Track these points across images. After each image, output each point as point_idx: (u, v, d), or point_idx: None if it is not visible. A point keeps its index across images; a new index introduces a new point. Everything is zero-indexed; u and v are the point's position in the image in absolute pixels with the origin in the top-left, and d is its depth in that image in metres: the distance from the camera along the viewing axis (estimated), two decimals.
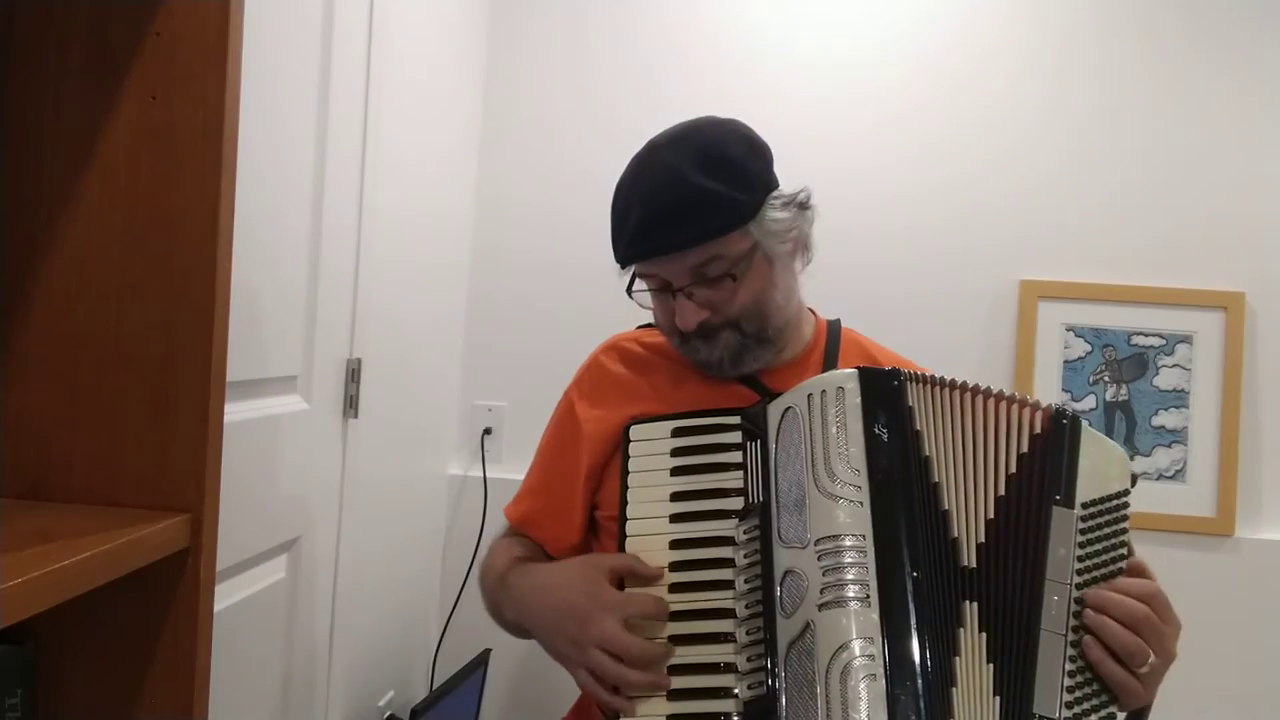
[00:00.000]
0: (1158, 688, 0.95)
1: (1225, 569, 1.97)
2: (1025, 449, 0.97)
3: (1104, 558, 0.95)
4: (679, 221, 1.09)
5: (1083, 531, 0.95)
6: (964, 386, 1.00)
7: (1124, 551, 0.96)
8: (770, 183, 1.14)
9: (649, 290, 1.18)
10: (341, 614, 1.59)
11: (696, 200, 1.09)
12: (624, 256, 1.15)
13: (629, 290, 1.20)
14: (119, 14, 0.79)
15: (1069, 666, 0.91)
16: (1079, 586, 0.93)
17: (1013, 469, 0.97)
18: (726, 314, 1.13)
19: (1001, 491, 0.96)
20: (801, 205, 1.16)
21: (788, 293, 1.19)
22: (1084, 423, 0.99)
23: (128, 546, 0.71)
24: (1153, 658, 0.91)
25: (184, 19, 0.79)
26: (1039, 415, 0.99)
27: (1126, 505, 0.97)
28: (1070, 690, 0.90)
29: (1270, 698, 1.95)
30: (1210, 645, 1.96)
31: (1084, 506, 0.96)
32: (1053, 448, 0.97)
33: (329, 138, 1.41)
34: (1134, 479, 0.99)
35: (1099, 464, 0.98)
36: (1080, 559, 0.94)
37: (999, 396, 0.99)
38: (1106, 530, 0.96)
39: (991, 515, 0.95)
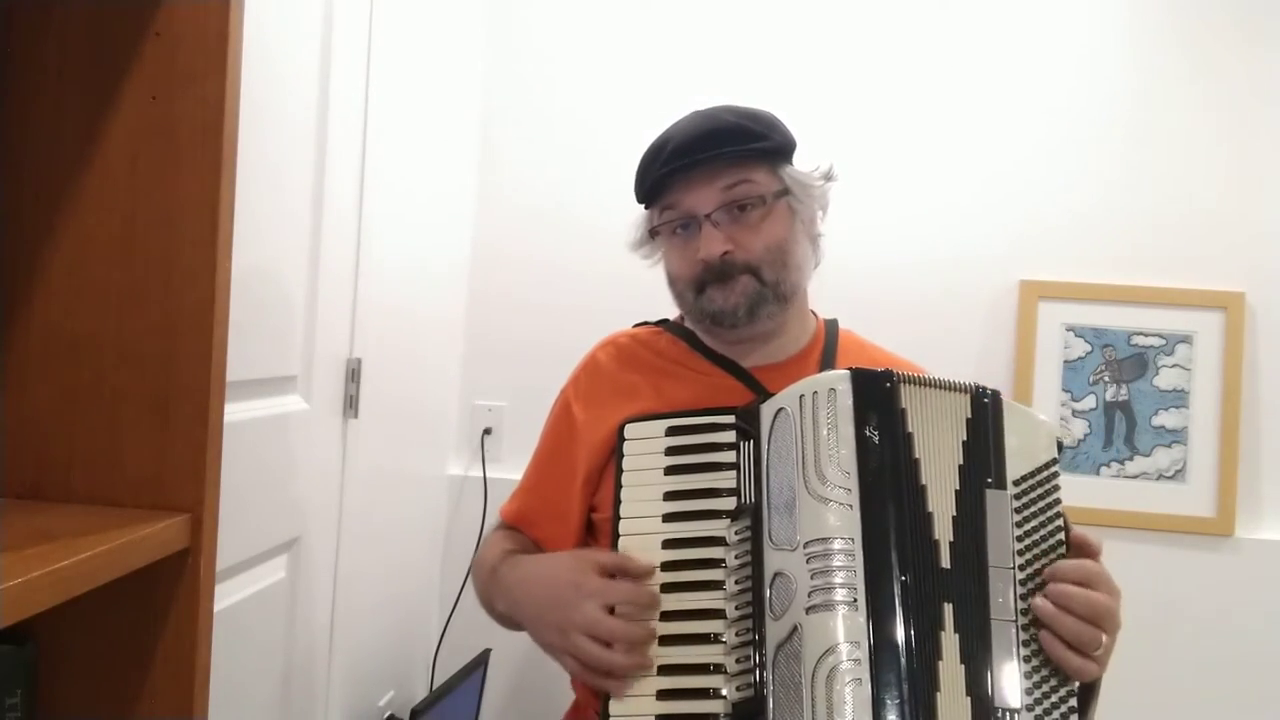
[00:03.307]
0: (1110, 657, 0.95)
1: (1225, 569, 1.97)
2: (965, 436, 0.97)
3: (1042, 533, 0.95)
4: (716, 140, 1.15)
5: (1018, 510, 0.95)
6: (932, 382, 0.99)
7: (1060, 523, 0.96)
8: (794, 147, 1.21)
9: (668, 235, 1.20)
10: (341, 614, 1.59)
11: (733, 126, 1.16)
12: (656, 178, 1.17)
13: (652, 231, 1.22)
14: (119, 14, 0.79)
15: (1024, 652, 0.91)
16: (1023, 568, 0.93)
17: (961, 460, 0.97)
18: (749, 251, 1.15)
19: (958, 485, 0.96)
20: (826, 175, 1.21)
21: (804, 261, 1.21)
22: (1004, 398, 0.99)
23: (128, 546, 0.71)
24: (1105, 638, 0.92)
25: (184, 19, 0.79)
26: (966, 399, 0.99)
27: (1056, 475, 0.97)
28: (1028, 675, 0.90)
29: (1271, 698, 1.95)
30: (1210, 645, 1.96)
31: (1015, 484, 0.96)
32: (980, 430, 0.97)
33: (329, 137, 1.41)
34: (1061, 446, 0.99)
35: (1025, 439, 0.97)
36: (1019, 539, 0.94)
37: (945, 385, 0.99)
38: (1041, 504, 0.96)
39: (955, 512, 0.95)
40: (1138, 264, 2.02)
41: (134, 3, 0.79)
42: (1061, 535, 0.95)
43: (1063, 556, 0.95)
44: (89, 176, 0.80)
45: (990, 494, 0.95)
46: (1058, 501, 0.96)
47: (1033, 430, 0.99)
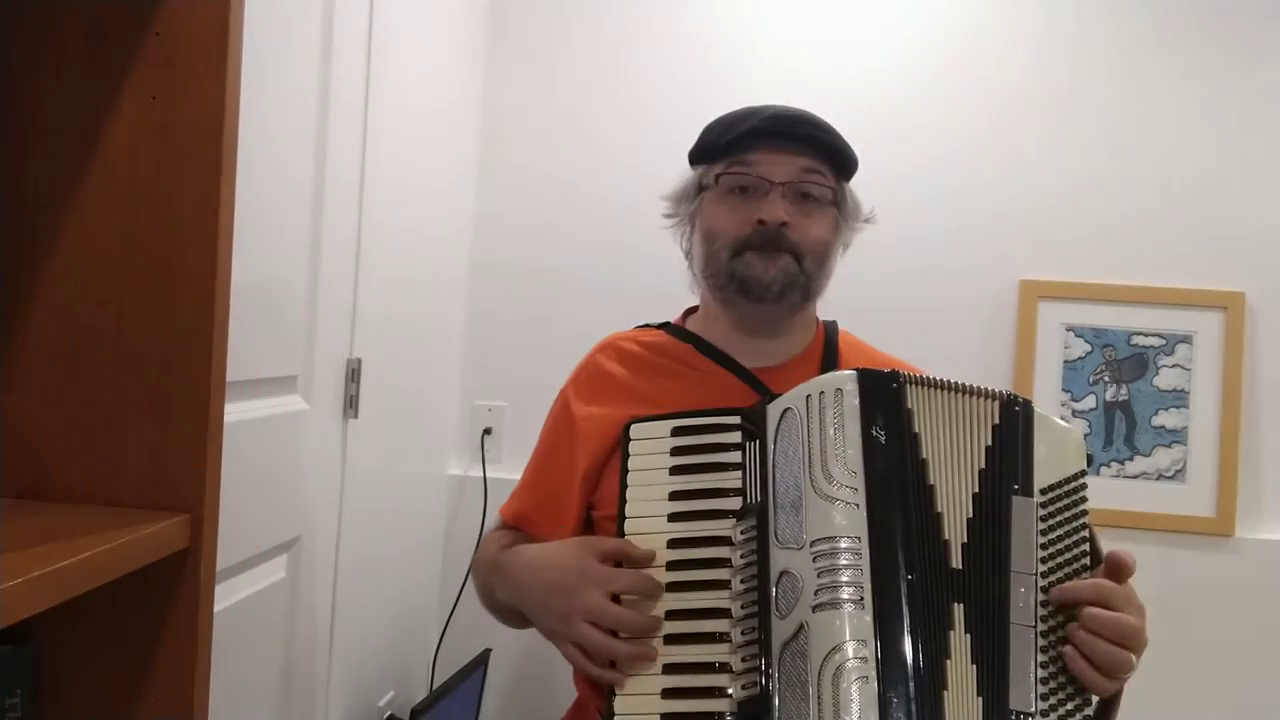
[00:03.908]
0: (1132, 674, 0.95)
1: (1225, 569, 1.97)
2: (990, 442, 0.98)
3: (1066, 542, 0.95)
4: (813, 124, 1.20)
5: (1043, 519, 0.95)
6: (949, 385, 1.00)
7: (1085, 534, 0.96)
8: (854, 174, 1.26)
9: (723, 192, 1.20)
10: (341, 614, 1.59)
11: (827, 124, 1.21)
12: (743, 132, 1.18)
13: (712, 179, 1.20)
14: (119, 14, 0.79)
15: (1040, 658, 0.91)
16: (1044, 575, 0.94)
17: (982, 464, 0.97)
18: (804, 235, 1.17)
19: (976, 489, 0.96)
20: (868, 217, 1.27)
21: (829, 275, 1.24)
22: (1036, 407, 1.00)
23: (128, 546, 0.71)
24: (1134, 659, 0.92)
25: (184, 19, 0.79)
26: (995, 405, 0.99)
27: (1084, 486, 0.98)
28: (1044, 682, 0.91)
29: (1271, 698, 1.95)
30: (1210, 645, 1.96)
31: (1042, 493, 0.96)
32: (1009, 437, 0.98)
33: (329, 137, 1.41)
34: (1090, 459, 1.00)
35: (1054, 448, 0.98)
36: (1043, 546, 0.95)
37: (967, 390, 1.00)
38: (1067, 514, 0.96)
39: (971, 514, 0.96)
40: (1138, 264, 2.02)
41: (134, 3, 0.79)
42: (1086, 546, 0.96)
43: (1086, 567, 0.96)
44: (89, 176, 0.80)
45: (1017, 500, 0.95)
46: (1084, 513, 0.97)
47: (1062, 440, 0.99)
